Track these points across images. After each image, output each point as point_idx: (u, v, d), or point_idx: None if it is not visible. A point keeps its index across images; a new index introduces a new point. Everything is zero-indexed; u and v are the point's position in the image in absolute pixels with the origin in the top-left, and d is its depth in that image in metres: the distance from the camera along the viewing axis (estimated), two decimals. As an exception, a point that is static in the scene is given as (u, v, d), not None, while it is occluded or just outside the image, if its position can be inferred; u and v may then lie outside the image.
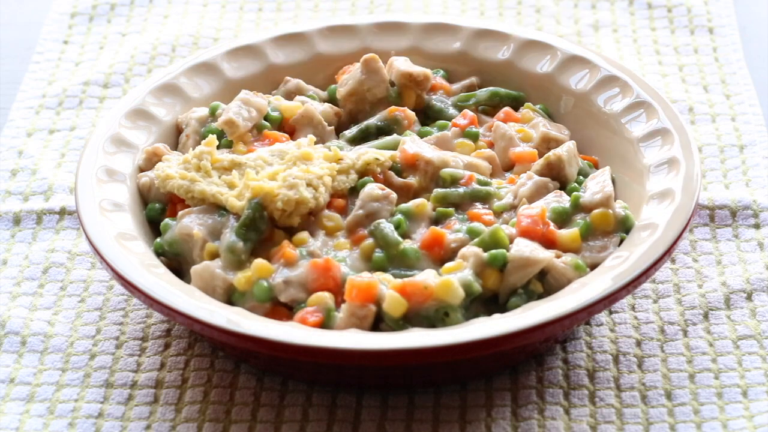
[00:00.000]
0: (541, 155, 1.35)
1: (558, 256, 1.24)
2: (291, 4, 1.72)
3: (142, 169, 1.35)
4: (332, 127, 1.40)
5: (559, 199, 1.30)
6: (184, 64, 1.44)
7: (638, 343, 1.28)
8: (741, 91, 1.56)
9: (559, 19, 1.69)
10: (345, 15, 1.70)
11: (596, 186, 1.30)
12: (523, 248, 1.23)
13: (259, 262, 1.23)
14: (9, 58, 1.67)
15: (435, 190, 1.31)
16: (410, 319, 1.20)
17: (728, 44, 1.63)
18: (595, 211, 1.27)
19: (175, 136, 1.40)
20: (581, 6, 1.71)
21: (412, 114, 1.40)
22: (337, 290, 1.22)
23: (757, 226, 1.39)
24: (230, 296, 1.24)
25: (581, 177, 1.34)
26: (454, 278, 1.20)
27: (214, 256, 1.26)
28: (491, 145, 1.38)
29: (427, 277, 1.21)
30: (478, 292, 1.21)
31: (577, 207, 1.29)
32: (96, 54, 1.65)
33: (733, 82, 1.57)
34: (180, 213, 1.29)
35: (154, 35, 1.66)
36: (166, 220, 1.30)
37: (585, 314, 1.18)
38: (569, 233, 1.26)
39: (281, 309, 1.23)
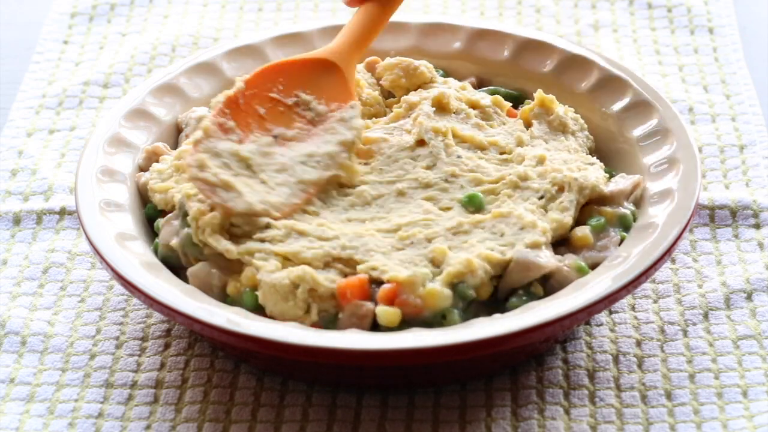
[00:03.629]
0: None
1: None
2: (291, 4, 1.72)
3: (142, 169, 1.35)
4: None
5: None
6: (184, 64, 1.44)
7: (638, 343, 1.28)
8: (741, 91, 1.56)
9: (559, 19, 1.69)
10: (345, 15, 1.69)
11: (612, 183, 1.30)
12: (528, 251, 1.23)
13: (249, 270, 1.23)
14: (9, 58, 1.67)
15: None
16: (409, 322, 1.20)
17: (728, 44, 1.63)
18: (603, 208, 1.28)
19: (175, 136, 1.40)
20: (581, 6, 1.71)
21: None
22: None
23: (757, 226, 1.39)
24: (227, 296, 1.24)
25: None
26: (437, 285, 1.20)
27: None
28: (491, 145, 1.39)
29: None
30: (470, 297, 1.21)
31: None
32: (96, 54, 1.65)
33: (733, 82, 1.57)
34: (162, 222, 1.29)
35: (154, 35, 1.66)
36: (159, 219, 1.30)
37: (585, 314, 1.18)
38: (582, 234, 1.26)
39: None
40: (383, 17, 1.37)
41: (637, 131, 1.36)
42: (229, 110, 1.29)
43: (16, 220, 1.41)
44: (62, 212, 1.42)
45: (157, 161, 1.35)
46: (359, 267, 1.21)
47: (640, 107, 1.38)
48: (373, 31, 1.37)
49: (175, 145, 1.39)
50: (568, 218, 1.26)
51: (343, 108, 1.32)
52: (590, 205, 1.29)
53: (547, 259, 1.23)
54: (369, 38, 1.37)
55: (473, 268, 1.20)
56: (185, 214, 1.25)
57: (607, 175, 1.32)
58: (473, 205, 1.27)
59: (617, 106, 1.39)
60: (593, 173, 1.30)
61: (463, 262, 1.20)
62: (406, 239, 1.24)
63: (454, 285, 1.20)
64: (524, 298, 1.21)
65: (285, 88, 1.32)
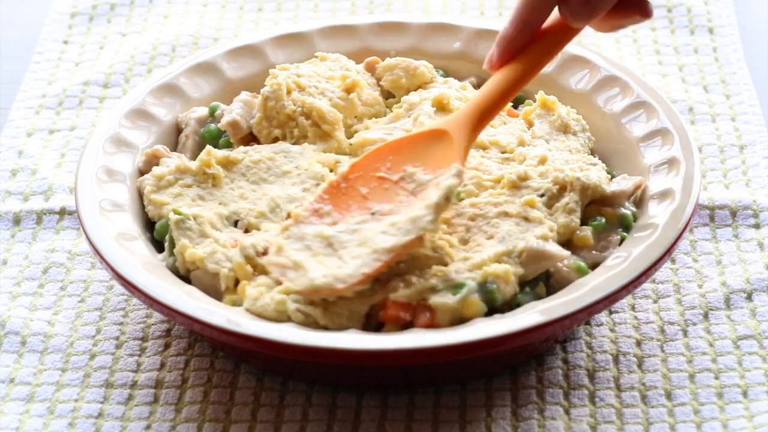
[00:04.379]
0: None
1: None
2: (291, 4, 1.73)
3: (142, 172, 1.35)
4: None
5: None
6: (184, 64, 1.44)
7: (638, 343, 1.28)
8: (741, 91, 1.56)
9: (559, 19, 1.69)
10: (345, 15, 1.69)
11: (614, 183, 1.30)
12: (540, 242, 1.23)
13: (243, 284, 1.23)
14: (9, 58, 1.67)
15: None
16: None
17: (728, 44, 1.63)
18: (605, 209, 1.28)
19: (175, 136, 1.40)
20: (581, 6, 1.71)
21: None
22: None
23: (757, 226, 1.39)
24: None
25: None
26: (476, 299, 1.20)
27: None
28: (492, 145, 1.38)
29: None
30: (499, 303, 1.21)
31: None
32: (96, 54, 1.65)
33: (733, 82, 1.57)
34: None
35: (154, 35, 1.66)
36: (160, 222, 1.30)
37: (585, 314, 1.18)
38: (583, 235, 1.26)
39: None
40: (519, 83, 1.26)
41: (637, 131, 1.36)
42: (328, 196, 1.24)
43: (16, 220, 1.41)
44: (62, 212, 1.42)
45: (157, 164, 1.35)
46: (397, 296, 1.20)
47: (640, 107, 1.38)
48: (504, 98, 1.26)
49: (174, 145, 1.39)
50: (575, 221, 1.26)
51: (444, 173, 1.23)
52: (591, 205, 1.29)
53: (559, 249, 1.23)
54: (497, 106, 1.26)
55: (508, 277, 1.21)
56: (172, 242, 1.26)
57: (609, 176, 1.32)
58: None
59: (617, 106, 1.39)
60: (595, 173, 1.30)
61: (501, 274, 1.21)
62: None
63: (488, 293, 1.20)
64: (529, 295, 1.21)
65: (393, 165, 1.25)
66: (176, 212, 1.26)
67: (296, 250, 1.21)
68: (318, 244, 1.21)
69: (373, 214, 1.22)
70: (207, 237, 1.25)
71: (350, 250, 1.20)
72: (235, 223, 1.28)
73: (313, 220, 1.23)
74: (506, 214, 1.26)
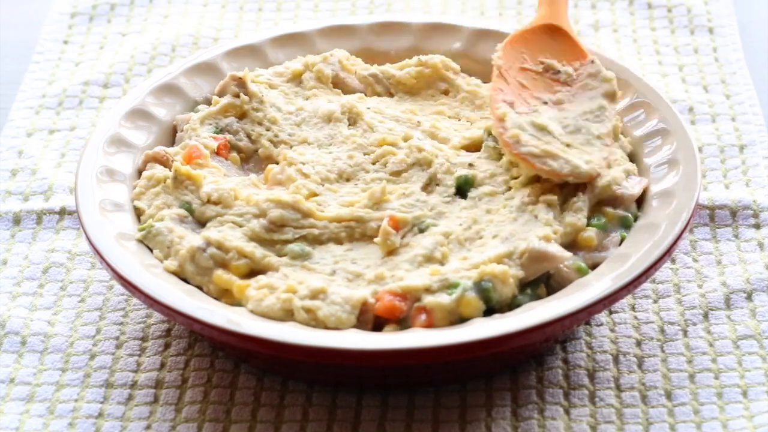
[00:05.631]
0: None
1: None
2: (291, 4, 1.73)
3: (140, 173, 1.35)
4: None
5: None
6: (184, 64, 1.44)
7: (638, 343, 1.28)
8: (741, 91, 1.56)
9: (559, 19, 1.69)
10: (345, 15, 1.70)
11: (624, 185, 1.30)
12: (542, 242, 1.23)
13: (239, 284, 1.23)
14: (9, 58, 1.67)
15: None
16: None
17: (728, 44, 1.63)
18: (607, 209, 1.28)
19: (175, 137, 1.40)
20: (581, 6, 1.71)
21: None
22: None
23: (757, 226, 1.39)
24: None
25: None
26: (472, 299, 1.20)
27: None
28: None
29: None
30: (496, 304, 1.21)
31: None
32: (96, 54, 1.65)
33: (733, 82, 1.57)
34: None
35: (154, 35, 1.67)
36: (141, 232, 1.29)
37: (585, 314, 1.18)
38: (587, 236, 1.26)
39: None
40: None
41: (638, 131, 1.36)
42: (502, 88, 1.34)
43: (16, 220, 1.41)
44: (62, 212, 1.42)
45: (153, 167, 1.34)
46: (391, 286, 1.21)
47: (640, 107, 1.38)
48: None
49: (173, 145, 1.39)
50: (582, 219, 1.26)
51: (585, 64, 1.37)
52: (595, 204, 1.29)
53: (560, 250, 1.23)
54: None
55: (506, 278, 1.21)
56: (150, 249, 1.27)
57: (630, 168, 1.32)
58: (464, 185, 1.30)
59: (617, 106, 1.39)
60: (611, 173, 1.29)
61: (499, 274, 1.21)
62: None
63: (483, 291, 1.20)
64: (529, 297, 1.21)
65: (529, 58, 1.37)
66: (140, 228, 1.27)
67: (531, 138, 1.30)
68: (538, 133, 1.30)
69: (545, 103, 1.34)
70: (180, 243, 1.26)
71: (573, 138, 1.31)
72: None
73: (511, 110, 1.32)
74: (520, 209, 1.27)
